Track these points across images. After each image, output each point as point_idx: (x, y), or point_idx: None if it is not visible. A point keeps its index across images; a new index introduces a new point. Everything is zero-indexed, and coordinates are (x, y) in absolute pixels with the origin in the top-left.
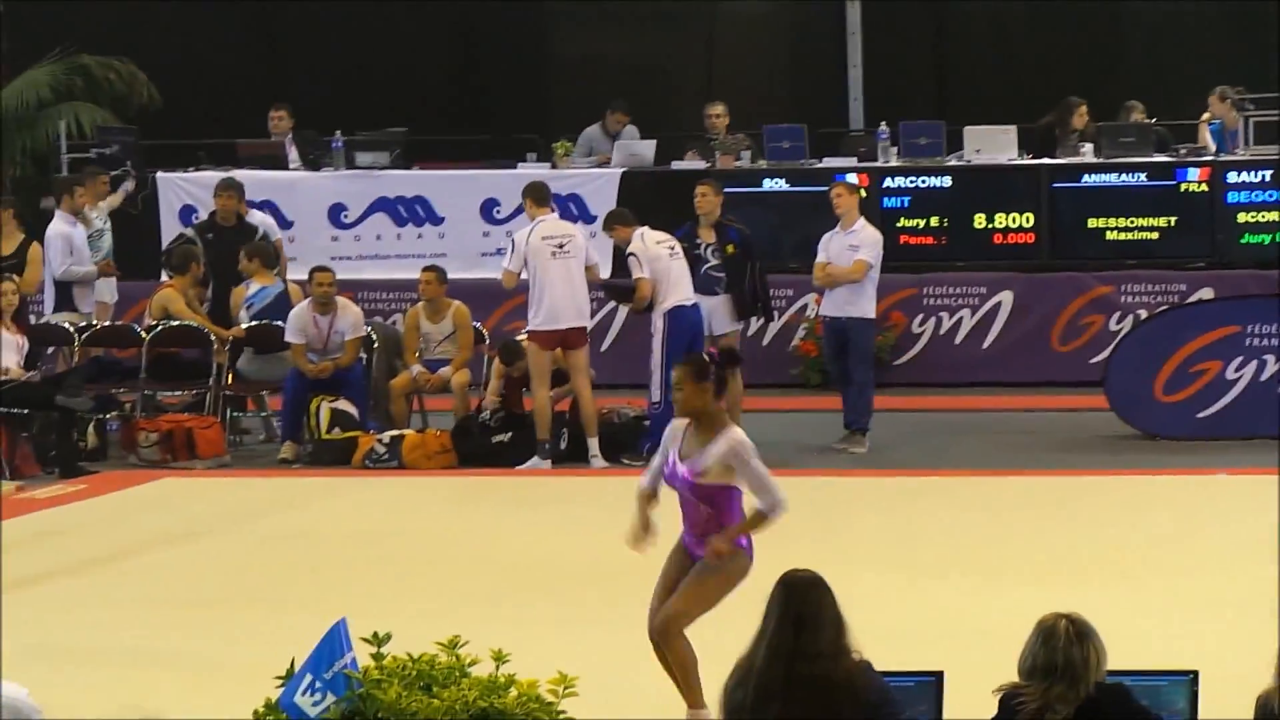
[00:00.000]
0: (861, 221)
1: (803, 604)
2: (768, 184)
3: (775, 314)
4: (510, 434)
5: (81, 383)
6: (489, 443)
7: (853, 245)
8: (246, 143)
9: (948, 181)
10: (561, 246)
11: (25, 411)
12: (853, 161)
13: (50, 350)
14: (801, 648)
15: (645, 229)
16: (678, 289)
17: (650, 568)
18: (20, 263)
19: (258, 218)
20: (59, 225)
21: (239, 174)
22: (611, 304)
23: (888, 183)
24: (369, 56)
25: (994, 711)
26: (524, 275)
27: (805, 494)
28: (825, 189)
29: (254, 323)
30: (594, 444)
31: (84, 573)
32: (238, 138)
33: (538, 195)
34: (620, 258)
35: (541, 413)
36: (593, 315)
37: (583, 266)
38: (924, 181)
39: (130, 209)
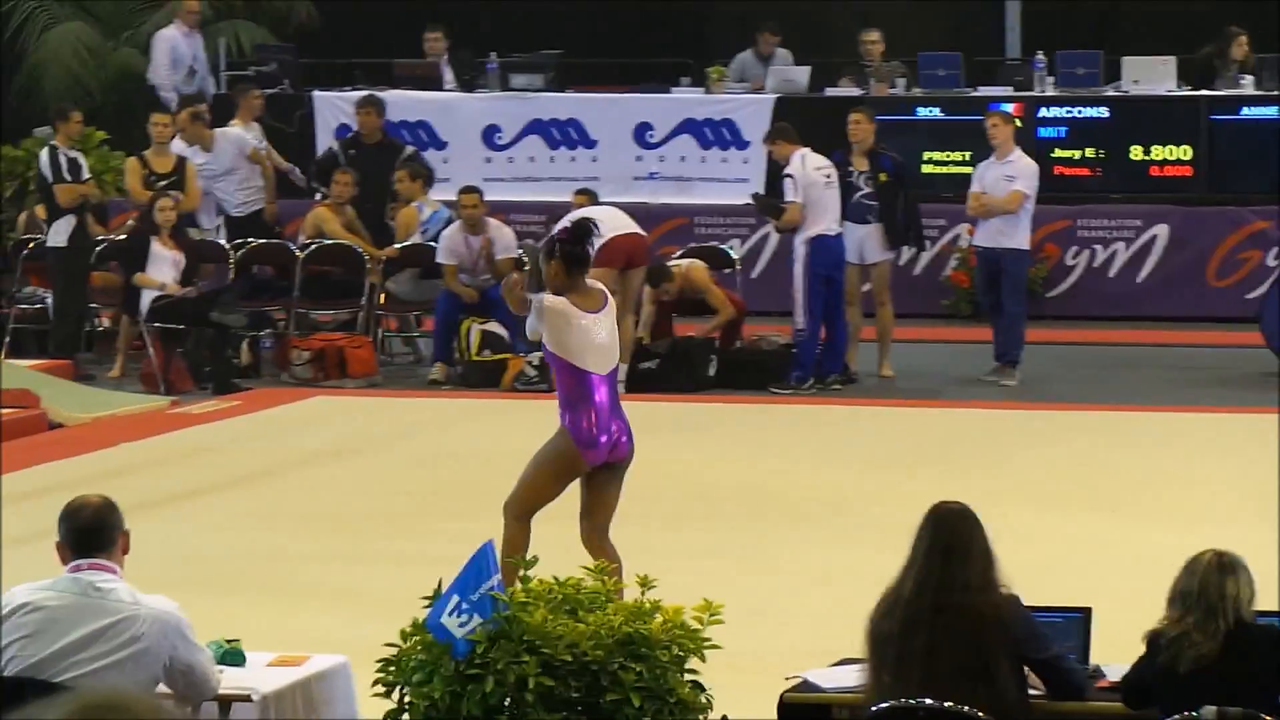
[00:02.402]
0: (1018, 151)
1: (952, 535)
2: (922, 112)
3: (927, 243)
4: (657, 360)
5: (236, 300)
6: (635, 368)
7: (1008, 175)
8: (402, 63)
9: (1105, 112)
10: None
11: (181, 327)
12: (1008, 90)
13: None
14: (949, 578)
15: (806, 151)
16: (825, 217)
17: (806, 497)
18: (180, 179)
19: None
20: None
21: (394, 94)
22: (761, 232)
23: (1043, 112)
24: None
25: (1142, 650)
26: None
27: (954, 426)
28: (980, 118)
29: (409, 244)
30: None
31: (235, 489)
32: (394, 58)
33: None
34: (775, 172)
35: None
36: (744, 240)
37: None
38: (1080, 112)
39: (286, 126)
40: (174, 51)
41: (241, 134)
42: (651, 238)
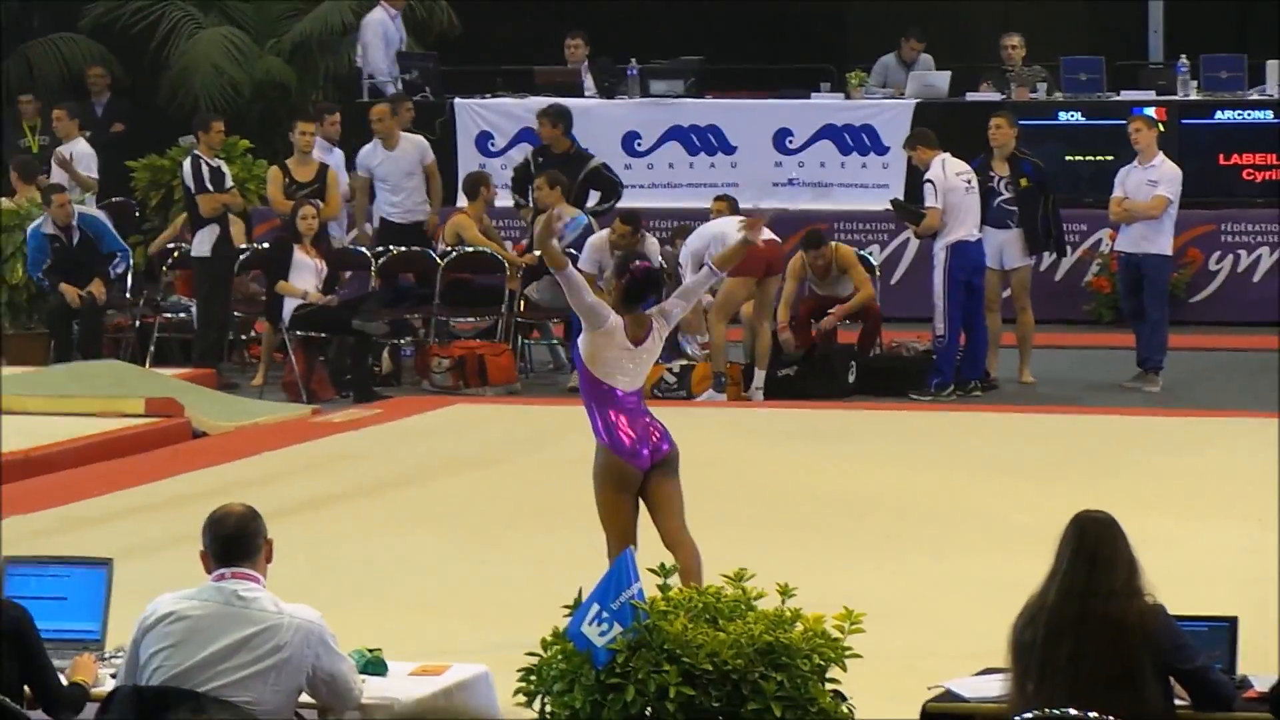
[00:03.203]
0: (1161, 156)
1: (1096, 543)
2: (1063, 116)
3: (1068, 249)
4: (795, 367)
5: (377, 308)
6: (774, 375)
7: (1151, 180)
8: (543, 70)
9: (1248, 116)
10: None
11: (323, 335)
12: (1151, 94)
13: (348, 275)
14: (1095, 585)
15: (947, 156)
16: (965, 223)
17: (945, 504)
18: (321, 188)
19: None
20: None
21: (534, 100)
22: (900, 238)
23: (1186, 117)
24: None
25: None
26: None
27: (1095, 432)
28: (1122, 122)
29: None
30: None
31: (376, 497)
32: (535, 64)
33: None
34: (916, 178)
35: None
36: (883, 246)
37: None
38: (1225, 116)
39: (428, 134)
40: (385, 35)
41: (425, 142)
42: (790, 243)
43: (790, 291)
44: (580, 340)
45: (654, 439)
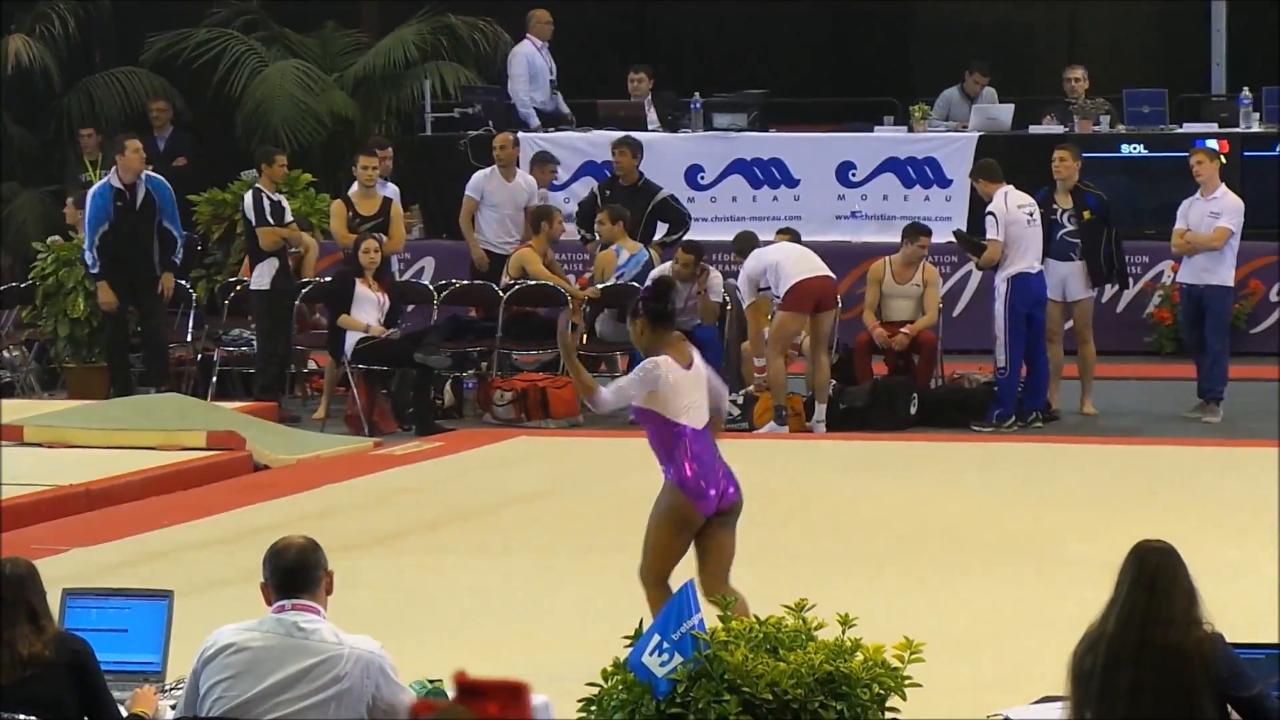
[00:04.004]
0: (1223, 188)
1: (1156, 571)
2: (1126, 149)
3: (1130, 280)
4: (859, 402)
5: (440, 341)
6: (836, 407)
7: (1214, 212)
8: (607, 103)
9: None
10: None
11: (385, 369)
12: (1214, 127)
13: (410, 308)
14: (1154, 614)
15: (1010, 188)
16: (1027, 255)
17: (1007, 534)
18: (384, 222)
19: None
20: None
21: (598, 134)
22: (963, 270)
23: (1248, 149)
24: (728, 19)
25: None
26: None
27: (1158, 463)
28: (1185, 154)
29: (612, 283)
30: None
31: (438, 530)
32: (598, 98)
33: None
34: (979, 209)
35: (776, 380)
36: (946, 279)
37: None
38: None
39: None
40: (531, 66)
41: (535, 182)
42: (854, 275)
43: (873, 297)
44: (644, 403)
45: (722, 483)
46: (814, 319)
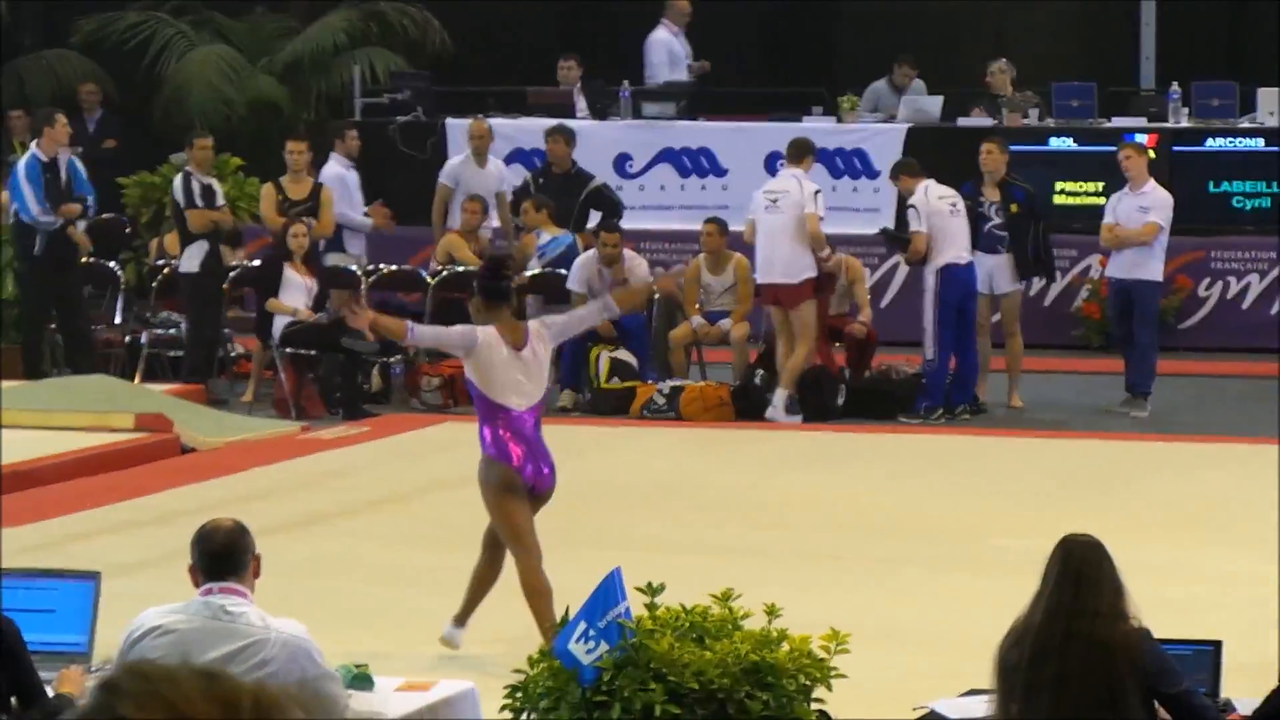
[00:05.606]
0: (1152, 183)
1: (1081, 564)
2: (1054, 142)
3: (1058, 274)
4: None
5: None
6: (766, 401)
7: (1143, 207)
8: (536, 90)
9: (1237, 144)
10: (775, 201)
11: (313, 353)
12: (1142, 122)
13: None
14: (1080, 607)
15: (930, 182)
16: (953, 246)
17: (934, 527)
18: (314, 206)
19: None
20: (333, 168)
21: (527, 121)
22: (890, 262)
23: (1178, 144)
24: (658, 8)
25: (1274, 683)
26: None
27: (1083, 457)
28: (1113, 149)
29: (538, 271)
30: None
31: (365, 514)
32: (527, 85)
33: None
34: (903, 207)
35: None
36: (873, 270)
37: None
38: (1215, 144)
39: (419, 153)
40: (670, 53)
41: (505, 169)
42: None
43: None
44: (467, 371)
45: (539, 465)
46: (788, 313)
